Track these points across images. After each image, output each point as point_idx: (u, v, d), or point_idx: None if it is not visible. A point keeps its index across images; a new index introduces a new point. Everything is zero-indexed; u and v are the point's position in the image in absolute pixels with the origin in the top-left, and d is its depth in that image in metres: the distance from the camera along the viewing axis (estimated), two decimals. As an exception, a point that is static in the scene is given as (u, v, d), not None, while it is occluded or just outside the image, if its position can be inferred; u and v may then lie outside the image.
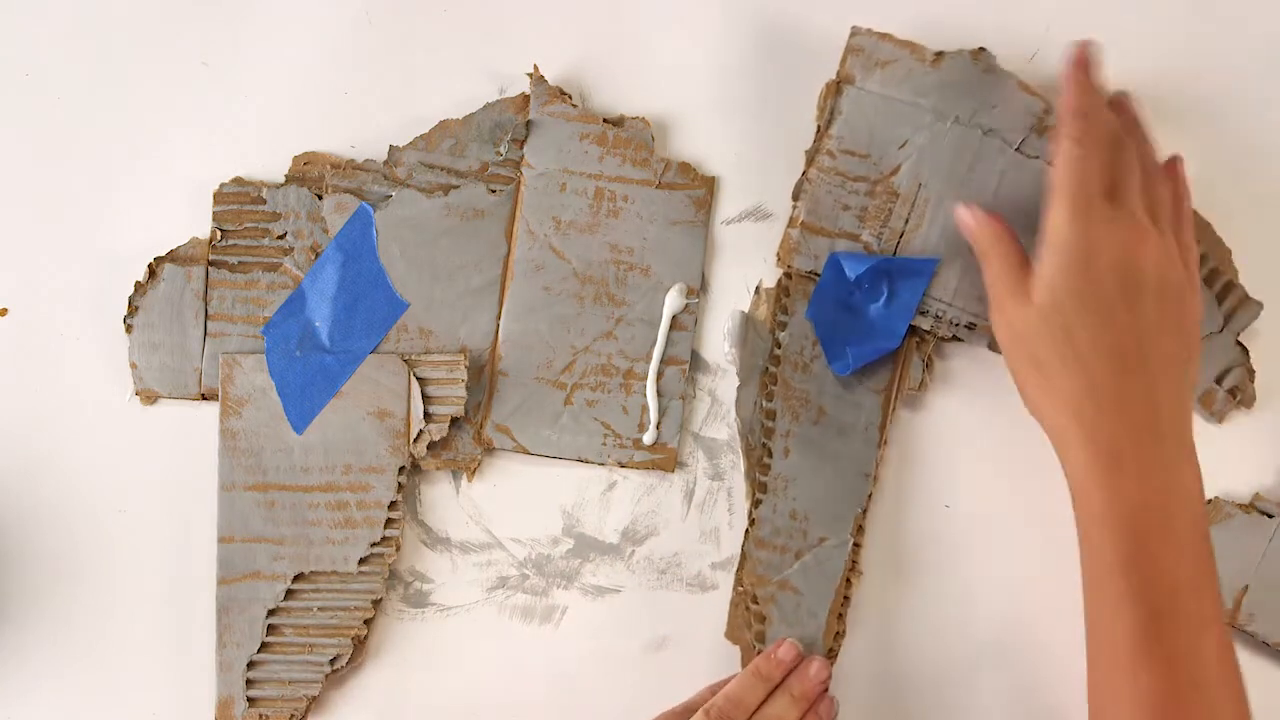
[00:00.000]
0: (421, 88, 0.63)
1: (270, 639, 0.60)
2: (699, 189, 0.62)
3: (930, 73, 0.59)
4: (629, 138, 0.61)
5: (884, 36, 0.59)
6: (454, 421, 0.61)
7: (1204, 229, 0.60)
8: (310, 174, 0.62)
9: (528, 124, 0.61)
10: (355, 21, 0.63)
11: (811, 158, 0.60)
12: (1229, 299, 0.60)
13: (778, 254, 0.61)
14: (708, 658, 0.61)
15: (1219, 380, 0.60)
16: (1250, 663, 0.59)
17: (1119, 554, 0.50)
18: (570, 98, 0.62)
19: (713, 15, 0.62)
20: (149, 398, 0.62)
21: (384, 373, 0.61)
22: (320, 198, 0.62)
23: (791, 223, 0.60)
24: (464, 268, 0.61)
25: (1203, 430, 0.60)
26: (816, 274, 0.60)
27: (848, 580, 0.60)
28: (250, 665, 0.60)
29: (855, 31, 0.59)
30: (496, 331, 0.62)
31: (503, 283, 0.62)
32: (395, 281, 0.61)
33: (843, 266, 0.59)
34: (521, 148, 0.62)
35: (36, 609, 0.61)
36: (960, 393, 0.61)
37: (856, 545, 0.60)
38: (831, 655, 0.59)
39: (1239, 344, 0.60)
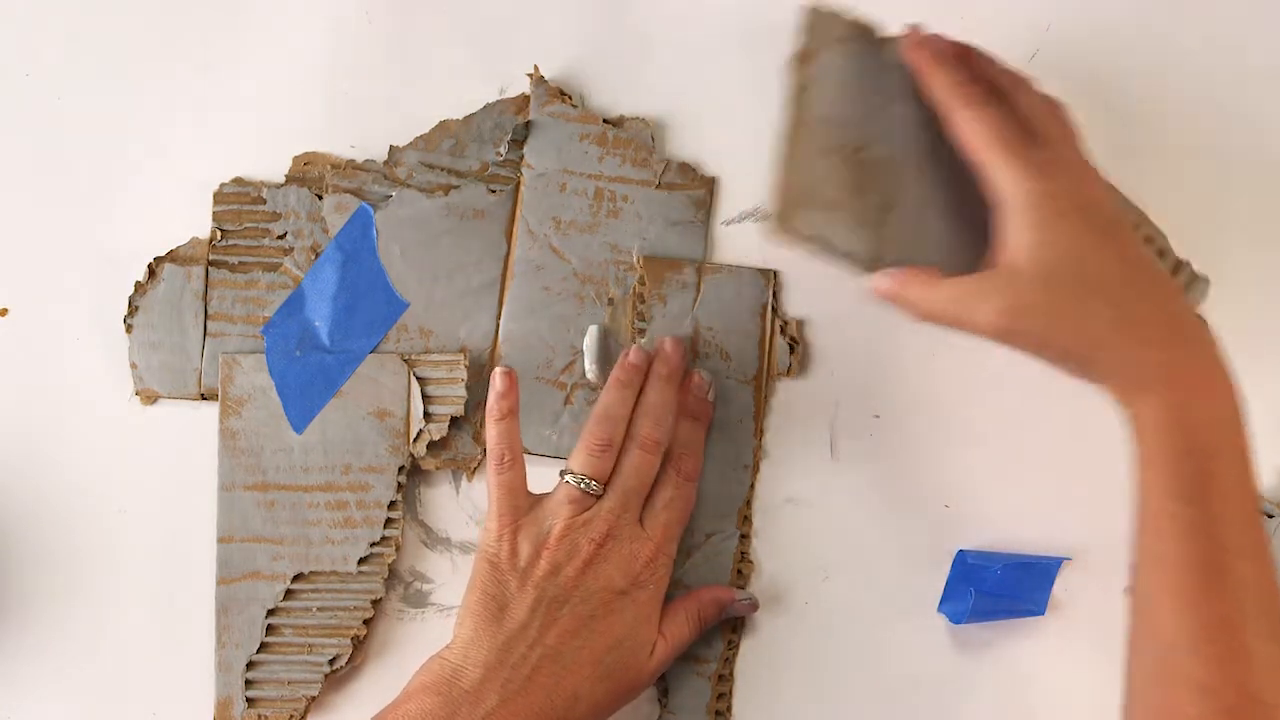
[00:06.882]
0: (421, 88, 0.63)
1: (269, 639, 0.60)
2: (699, 189, 0.62)
3: (878, 54, 0.55)
4: (629, 138, 0.61)
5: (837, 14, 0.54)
6: (454, 421, 0.61)
7: (1140, 216, 0.60)
8: (310, 174, 0.62)
9: (528, 124, 0.61)
10: (355, 21, 0.63)
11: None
12: (1179, 278, 0.60)
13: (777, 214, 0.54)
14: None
15: None
16: (1251, 663, 0.59)
17: (1198, 477, 0.48)
18: (570, 98, 0.62)
19: (712, 15, 0.62)
20: (149, 398, 0.62)
21: (384, 373, 0.61)
22: (320, 198, 0.62)
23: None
24: (464, 268, 0.61)
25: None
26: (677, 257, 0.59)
27: (739, 571, 0.60)
28: (249, 665, 0.60)
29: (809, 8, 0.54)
30: (496, 331, 0.62)
31: (503, 283, 0.62)
32: (395, 281, 0.61)
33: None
34: (521, 148, 0.62)
35: (36, 609, 0.61)
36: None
37: (744, 536, 0.60)
38: (732, 647, 0.59)
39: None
